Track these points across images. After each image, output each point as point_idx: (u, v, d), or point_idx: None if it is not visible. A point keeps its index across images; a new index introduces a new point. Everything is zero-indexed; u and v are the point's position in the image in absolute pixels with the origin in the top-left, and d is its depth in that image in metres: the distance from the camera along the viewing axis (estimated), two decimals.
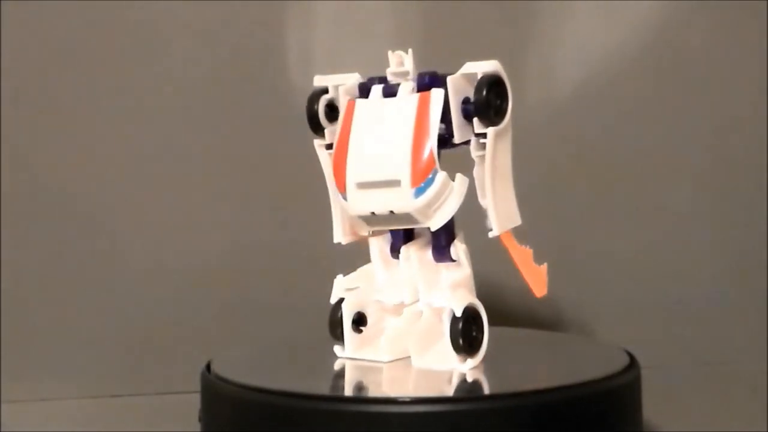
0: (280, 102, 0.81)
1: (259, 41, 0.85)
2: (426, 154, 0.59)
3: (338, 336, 0.63)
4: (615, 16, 0.87)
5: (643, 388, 0.62)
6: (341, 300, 0.63)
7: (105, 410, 0.81)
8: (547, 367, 0.64)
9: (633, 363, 0.62)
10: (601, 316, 0.87)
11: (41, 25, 0.83)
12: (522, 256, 0.62)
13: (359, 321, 0.63)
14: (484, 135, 0.60)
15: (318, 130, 0.64)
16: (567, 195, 0.87)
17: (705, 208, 0.88)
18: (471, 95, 0.60)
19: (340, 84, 0.63)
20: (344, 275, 0.64)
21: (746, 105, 0.88)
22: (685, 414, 0.73)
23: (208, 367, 0.64)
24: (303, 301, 0.83)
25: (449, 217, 0.60)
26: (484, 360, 0.61)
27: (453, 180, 0.60)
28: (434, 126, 0.59)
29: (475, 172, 0.61)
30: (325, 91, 0.64)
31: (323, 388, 0.60)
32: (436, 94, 0.60)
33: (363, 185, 0.60)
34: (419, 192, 0.59)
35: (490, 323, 0.62)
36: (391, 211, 0.60)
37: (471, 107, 0.60)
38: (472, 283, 0.63)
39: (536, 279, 0.62)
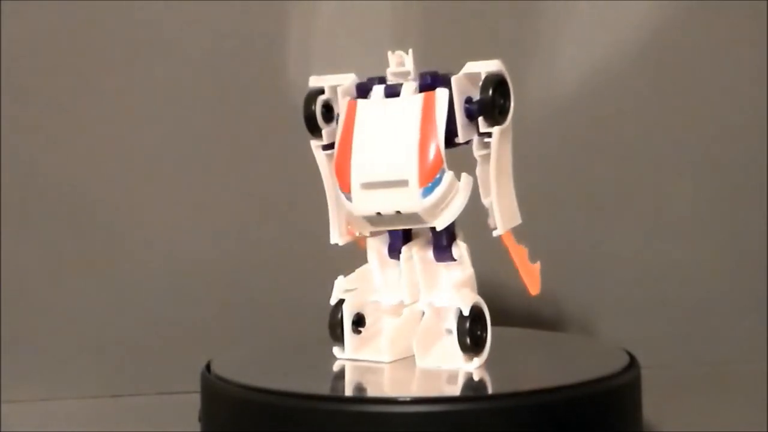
0: (281, 102, 0.81)
1: (259, 41, 0.85)
2: (433, 153, 0.59)
3: (338, 337, 0.63)
4: (616, 16, 0.87)
5: (643, 388, 0.62)
6: (341, 301, 0.63)
7: (105, 410, 0.81)
8: (547, 367, 0.64)
9: (633, 363, 0.62)
10: (601, 316, 0.87)
11: (41, 25, 0.83)
12: (519, 254, 0.62)
13: (358, 322, 0.63)
14: (487, 134, 0.60)
15: (315, 130, 0.63)
16: (567, 195, 0.87)
17: (705, 208, 0.88)
18: (473, 95, 0.60)
19: (337, 84, 0.63)
20: (345, 276, 0.64)
21: (747, 105, 0.88)
22: (685, 414, 0.73)
23: (208, 367, 0.64)
24: (303, 301, 0.83)
25: (455, 217, 0.60)
26: (485, 360, 0.61)
27: (458, 179, 0.60)
28: (441, 125, 0.59)
29: (478, 171, 0.61)
30: (322, 91, 0.63)
31: (323, 388, 0.60)
32: (442, 94, 0.60)
33: (368, 185, 0.60)
34: (427, 192, 0.59)
35: (491, 323, 0.62)
36: (398, 212, 0.60)
37: (474, 107, 0.60)
38: (474, 282, 0.63)
39: (531, 277, 0.62)
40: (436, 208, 0.60)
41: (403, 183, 0.59)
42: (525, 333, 0.73)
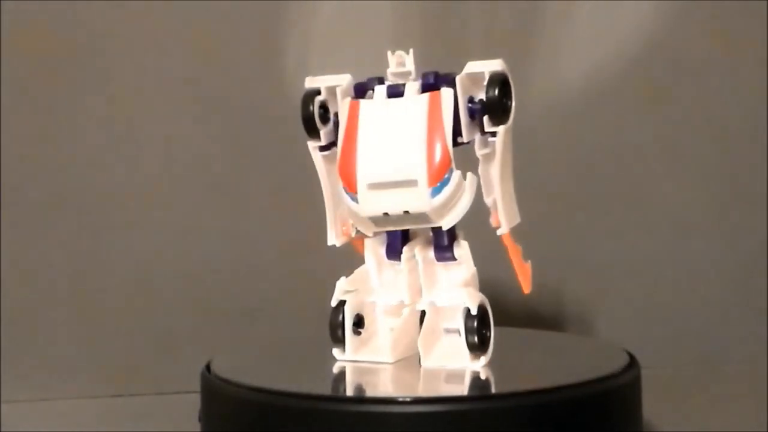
0: (280, 103, 0.81)
1: (259, 41, 0.85)
2: (442, 153, 0.59)
3: (338, 339, 0.63)
4: (616, 16, 0.87)
5: (643, 388, 0.62)
6: (341, 303, 0.63)
7: (105, 410, 0.81)
8: (547, 367, 0.64)
9: (633, 363, 0.62)
10: (601, 316, 0.87)
11: (41, 25, 0.83)
12: (516, 253, 0.62)
13: (358, 323, 0.63)
14: (491, 133, 0.60)
15: (313, 131, 0.63)
16: (567, 195, 0.87)
17: (705, 209, 0.88)
18: (475, 94, 0.61)
19: (335, 85, 0.63)
20: (346, 277, 0.64)
21: (747, 106, 0.88)
22: (685, 414, 0.73)
23: (208, 367, 0.64)
24: (303, 301, 0.83)
25: (461, 216, 0.61)
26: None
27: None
28: (448, 125, 0.59)
29: (481, 170, 0.61)
30: (318, 92, 0.63)
31: (323, 388, 0.60)
32: (447, 94, 0.60)
33: (376, 186, 0.60)
34: (436, 192, 0.59)
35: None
36: (406, 212, 0.60)
37: (477, 106, 0.60)
38: (477, 281, 0.63)
39: (525, 276, 0.62)
40: (445, 207, 0.60)
41: (412, 183, 0.59)
42: (525, 333, 0.73)
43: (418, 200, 0.60)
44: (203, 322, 0.84)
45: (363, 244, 0.65)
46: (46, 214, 0.83)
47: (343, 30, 0.85)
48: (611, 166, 0.88)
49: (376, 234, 0.63)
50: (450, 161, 0.59)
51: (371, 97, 0.62)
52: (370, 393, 0.61)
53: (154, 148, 0.85)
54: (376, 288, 0.64)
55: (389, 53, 0.62)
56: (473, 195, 0.61)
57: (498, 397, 0.57)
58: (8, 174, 0.83)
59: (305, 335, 0.73)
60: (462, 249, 0.63)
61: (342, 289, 0.63)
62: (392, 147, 0.60)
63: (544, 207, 0.84)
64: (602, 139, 0.88)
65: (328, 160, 0.63)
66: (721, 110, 0.88)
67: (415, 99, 0.61)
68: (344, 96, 0.63)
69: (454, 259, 0.63)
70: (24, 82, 0.83)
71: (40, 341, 0.83)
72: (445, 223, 0.61)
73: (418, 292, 0.63)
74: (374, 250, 0.64)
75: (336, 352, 0.63)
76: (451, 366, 0.60)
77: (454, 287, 0.62)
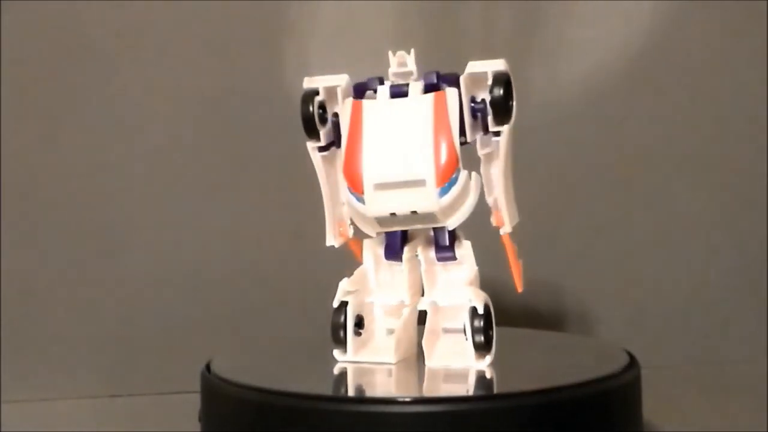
0: (280, 104, 0.81)
1: (259, 41, 0.85)
2: (449, 153, 0.59)
3: (340, 339, 0.63)
4: (616, 16, 0.87)
5: (643, 388, 0.62)
6: (343, 303, 0.63)
7: (105, 410, 0.81)
8: (547, 367, 0.64)
9: (633, 363, 0.62)
10: (601, 316, 0.87)
11: (41, 25, 0.83)
12: (512, 252, 0.62)
13: (358, 324, 0.63)
14: (495, 133, 0.60)
15: (312, 132, 0.63)
16: (567, 195, 0.87)
17: (705, 208, 0.88)
18: (477, 94, 0.61)
19: (334, 85, 0.63)
20: (348, 278, 0.64)
21: (747, 106, 0.88)
22: (685, 414, 0.73)
23: (208, 367, 0.64)
24: (303, 301, 0.83)
25: (467, 216, 0.61)
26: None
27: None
28: (454, 125, 0.60)
29: (482, 170, 0.61)
30: (317, 92, 0.63)
31: (323, 388, 0.60)
32: (452, 94, 0.60)
33: (383, 186, 0.60)
34: (443, 191, 0.59)
35: None
36: (413, 212, 0.60)
37: (480, 106, 0.60)
38: (479, 280, 0.63)
39: (519, 275, 0.62)
40: (452, 207, 0.60)
41: (419, 183, 0.59)
42: (525, 333, 0.73)
43: (426, 200, 0.60)
44: (203, 322, 0.84)
45: (359, 245, 0.64)
46: (46, 214, 0.84)
47: (343, 30, 0.85)
48: (611, 166, 0.88)
49: (379, 234, 0.63)
50: (457, 161, 0.59)
51: (371, 97, 0.62)
52: (370, 393, 0.61)
53: (154, 148, 0.85)
54: (374, 288, 0.64)
55: (390, 53, 0.62)
56: (477, 195, 0.61)
57: (498, 397, 0.57)
58: (9, 174, 0.83)
59: (305, 335, 0.73)
60: (464, 249, 0.63)
61: (344, 290, 0.63)
62: (399, 147, 0.60)
63: (543, 207, 0.84)
64: (602, 139, 0.88)
65: (327, 161, 0.63)
66: (721, 110, 0.88)
67: (419, 99, 0.61)
68: (345, 96, 0.63)
69: (455, 259, 0.63)
70: (24, 83, 0.83)
71: (40, 341, 0.83)
72: (451, 223, 0.61)
73: (418, 292, 0.63)
74: (373, 250, 0.64)
75: (337, 353, 0.63)
76: (456, 366, 0.60)
77: (457, 287, 0.62)
